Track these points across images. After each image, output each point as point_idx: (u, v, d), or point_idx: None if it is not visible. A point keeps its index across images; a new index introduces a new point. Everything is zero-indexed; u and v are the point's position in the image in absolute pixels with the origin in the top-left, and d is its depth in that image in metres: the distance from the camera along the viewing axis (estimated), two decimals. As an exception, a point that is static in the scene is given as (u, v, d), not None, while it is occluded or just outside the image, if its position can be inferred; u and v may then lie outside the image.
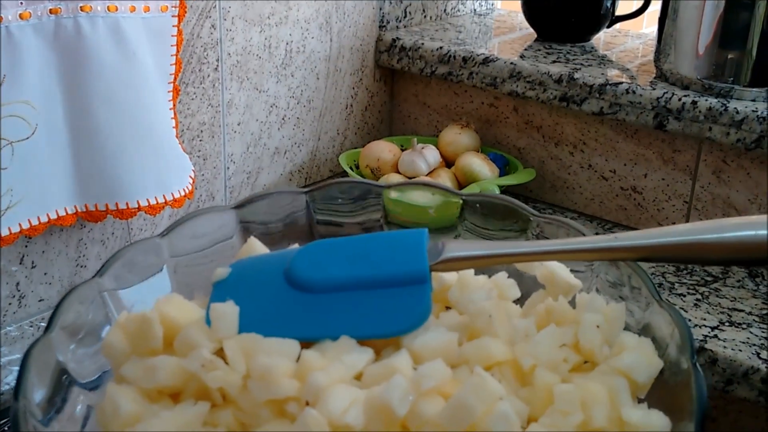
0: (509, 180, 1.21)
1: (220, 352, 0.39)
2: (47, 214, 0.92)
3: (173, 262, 0.49)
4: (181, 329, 0.41)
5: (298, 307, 0.42)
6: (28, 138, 0.87)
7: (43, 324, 0.99)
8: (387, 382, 0.36)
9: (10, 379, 0.97)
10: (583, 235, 0.47)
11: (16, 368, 0.97)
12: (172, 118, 0.99)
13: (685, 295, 1.02)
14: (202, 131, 1.11)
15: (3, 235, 0.88)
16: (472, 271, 0.46)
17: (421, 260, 0.43)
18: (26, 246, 0.95)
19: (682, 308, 0.98)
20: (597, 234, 0.46)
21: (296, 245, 0.49)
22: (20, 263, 0.95)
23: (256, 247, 0.47)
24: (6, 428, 0.90)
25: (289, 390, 0.37)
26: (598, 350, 0.41)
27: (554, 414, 0.37)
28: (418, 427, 0.35)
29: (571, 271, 0.47)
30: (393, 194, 0.52)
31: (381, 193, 0.52)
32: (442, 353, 0.39)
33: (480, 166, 1.20)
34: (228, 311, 0.40)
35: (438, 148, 1.26)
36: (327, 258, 0.44)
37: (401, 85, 1.40)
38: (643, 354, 0.40)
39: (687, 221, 1.15)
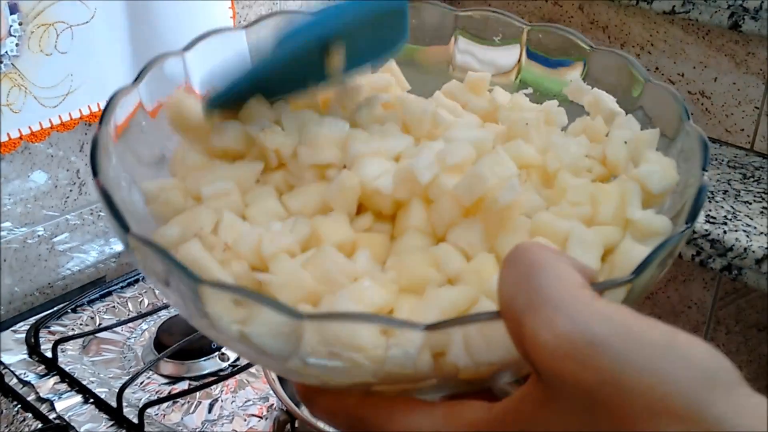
0: (571, 82, 1.17)
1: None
2: (107, 101, 0.91)
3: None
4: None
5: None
6: (87, 22, 0.86)
7: (102, 213, 1.01)
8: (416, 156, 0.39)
9: (71, 265, 0.99)
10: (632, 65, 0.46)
11: (78, 255, 0.99)
12: (229, 8, 0.97)
13: (750, 203, 0.99)
14: (259, 23, 1.09)
15: (64, 120, 0.89)
16: (526, 98, 0.48)
17: None
18: (86, 134, 0.95)
19: (747, 215, 0.96)
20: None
21: None
22: (80, 150, 0.95)
23: None
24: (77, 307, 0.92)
25: (331, 157, 0.41)
26: (623, 164, 0.41)
27: (564, 204, 0.39)
28: (437, 197, 0.38)
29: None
30: None
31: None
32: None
33: (542, 66, 1.17)
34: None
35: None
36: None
37: (462, -18, 1.36)
38: (660, 165, 0.40)
39: (757, 128, 1.11)
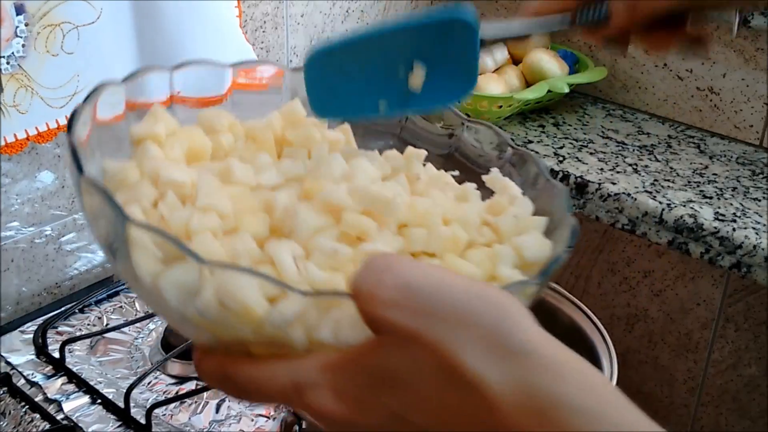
0: (579, 78, 1.16)
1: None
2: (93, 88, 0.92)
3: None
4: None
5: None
6: (93, 22, 0.86)
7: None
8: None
9: (79, 265, 0.99)
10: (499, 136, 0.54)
11: (85, 254, 1.00)
12: (235, 7, 0.97)
13: (760, 200, 0.98)
14: (265, 22, 1.08)
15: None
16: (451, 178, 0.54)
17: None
18: (92, 134, 0.95)
19: (757, 212, 0.95)
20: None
21: None
22: (87, 151, 0.96)
23: (298, 107, 0.53)
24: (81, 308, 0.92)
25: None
26: (508, 234, 0.47)
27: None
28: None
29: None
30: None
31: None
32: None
33: (549, 63, 1.16)
34: None
35: (505, 45, 1.22)
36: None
37: (468, -22, 1.35)
38: (537, 241, 0.46)
39: (766, 124, 1.10)
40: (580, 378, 0.31)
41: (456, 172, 0.53)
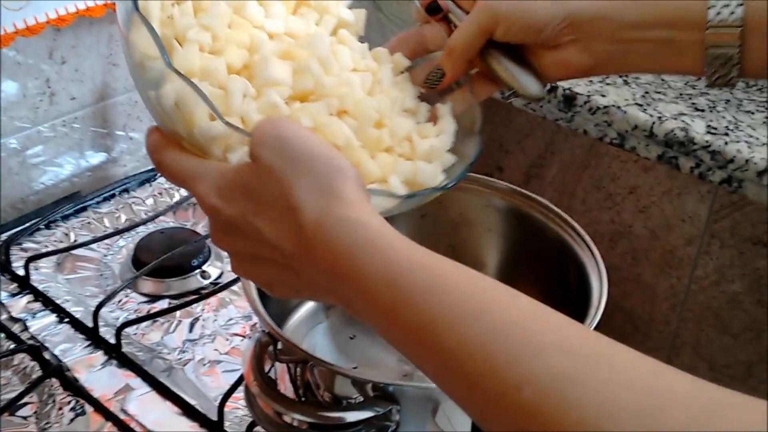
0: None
1: None
2: (75, 4, 0.86)
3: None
4: None
5: None
6: None
7: (76, 124, 0.96)
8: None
9: (45, 179, 0.95)
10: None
11: (51, 168, 0.95)
12: None
13: (753, 113, 0.95)
14: None
15: (29, 24, 0.83)
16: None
17: None
18: (55, 40, 0.89)
19: (750, 126, 0.92)
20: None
21: None
22: (49, 58, 0.90)
23: None
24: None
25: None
26: (420, 156, 0.54)
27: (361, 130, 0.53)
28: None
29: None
30: None
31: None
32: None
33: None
34: None
35: None
36: None
37: None
38: (434, 169, 0.53)
39: None
40: (361, 206, 0.43)
41: (422, 90, 0.58)
